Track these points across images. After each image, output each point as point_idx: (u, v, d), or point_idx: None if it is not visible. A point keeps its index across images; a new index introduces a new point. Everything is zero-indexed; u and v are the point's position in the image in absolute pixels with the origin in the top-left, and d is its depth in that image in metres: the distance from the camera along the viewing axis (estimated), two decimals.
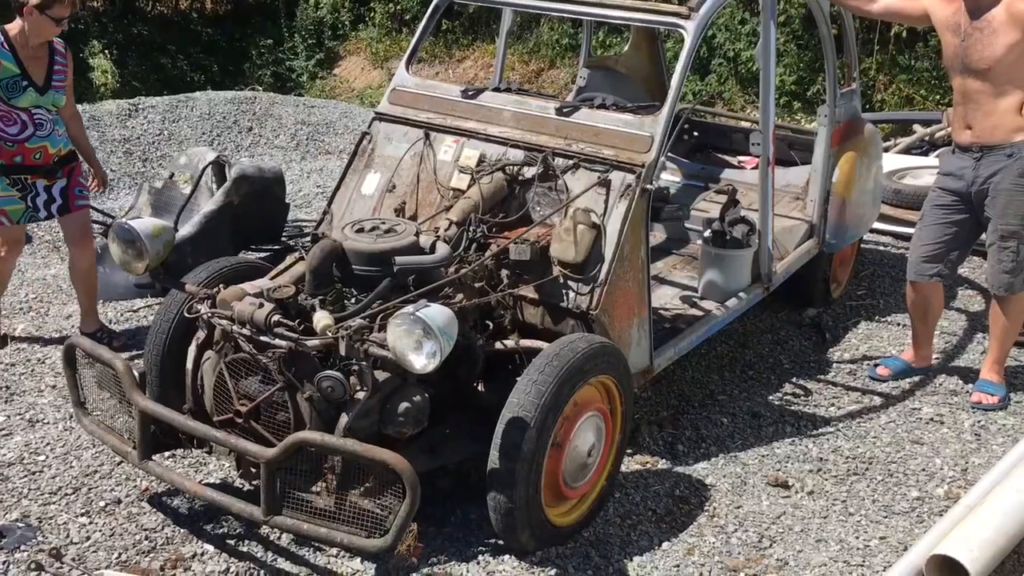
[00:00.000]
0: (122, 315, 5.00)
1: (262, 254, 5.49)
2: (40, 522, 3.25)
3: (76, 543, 3.15)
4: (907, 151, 7.78)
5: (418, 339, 2.77)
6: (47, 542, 3.14)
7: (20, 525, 3.21)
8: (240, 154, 8.16)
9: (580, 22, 9.52)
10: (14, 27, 4.25)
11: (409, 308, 2.80)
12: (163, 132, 8.25)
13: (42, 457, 3.64)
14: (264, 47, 12.17)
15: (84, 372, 3.32)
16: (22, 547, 3.10)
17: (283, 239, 5.91)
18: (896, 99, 8.75)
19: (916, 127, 8.24)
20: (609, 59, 5.96)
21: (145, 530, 3.23)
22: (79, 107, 8.42)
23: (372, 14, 12.54)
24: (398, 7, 12.17)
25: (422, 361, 2.79)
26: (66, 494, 3.41)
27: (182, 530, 3.24)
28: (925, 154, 7.73)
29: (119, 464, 3.58)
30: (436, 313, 2.78)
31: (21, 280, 5.39)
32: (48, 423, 3.88)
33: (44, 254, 6.08)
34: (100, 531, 3.21)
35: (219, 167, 5.65)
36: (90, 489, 3.44)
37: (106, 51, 11.57)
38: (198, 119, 8.56)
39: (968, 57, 4.01)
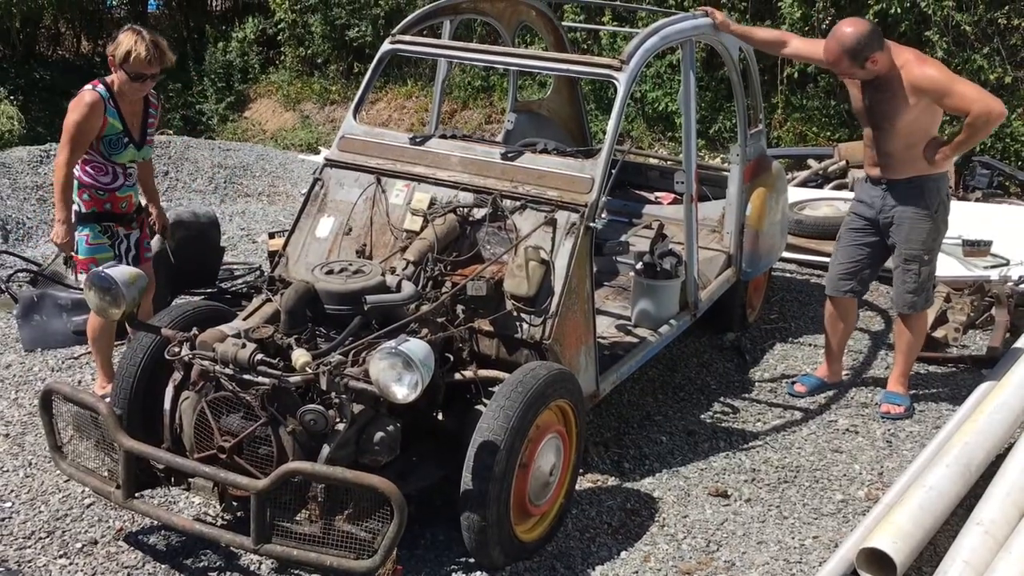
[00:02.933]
0: (63, 362, 5.03)
1: (196, 298, 5.57)
2: (20, 565, 3.31)
3: None
4: (803, 184, 8.33)
5: (400, 372, 2.99)
6: None
7: (1, 569, 3.27)
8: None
9: (496, 67, 9.87)
10: (117, 81, 4.17)
11: (391, 343, 3.02)
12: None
13: (8, 504, 3.69)
14: (173, 91, 12.16)
15: (60, 416, 3.41)
16: None
17: (217, 283, 6.03)
18: (791, 136, 9.33)
19: (811, 162, 8.81)
20: (533, 103, 6.30)
21: (127, 567, 3.33)
22: None
23: (282, 57, 12.68)
24: (308, 51, 12.34)
25: (404, 392, 3.00)
26: (40, 538, 3.48)
27: (163, 566, 3.35)
28: (820, 186, 8.29)
29: (89, 506, 3.66)
30: (416, 347, 3.00)
31: None
32: (7, 471, 3.92)
33: None
34: (82, 571, 3.30)
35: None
36: (64, 532, 3.52)
37: (10, 97, 11.38)
38: None
39: (872, 113, 4.38)
